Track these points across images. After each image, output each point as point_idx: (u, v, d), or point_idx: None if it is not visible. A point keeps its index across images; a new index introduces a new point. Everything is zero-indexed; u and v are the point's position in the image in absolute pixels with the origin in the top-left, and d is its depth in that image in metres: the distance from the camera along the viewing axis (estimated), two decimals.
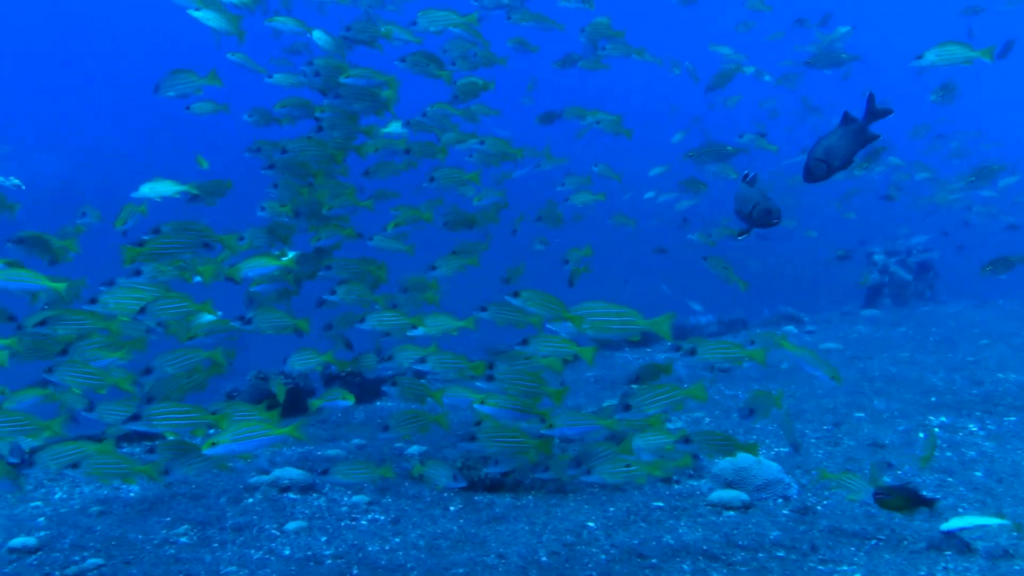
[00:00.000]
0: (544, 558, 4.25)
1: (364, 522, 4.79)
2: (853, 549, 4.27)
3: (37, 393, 4.55)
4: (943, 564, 4.05)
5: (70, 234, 4.84)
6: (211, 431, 3.92)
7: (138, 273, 4.30)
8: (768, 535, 4.45)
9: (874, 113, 4.46)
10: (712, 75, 8.18)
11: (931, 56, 4.51)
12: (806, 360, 4.04)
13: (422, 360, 4.60)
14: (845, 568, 4.05)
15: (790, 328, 11.26)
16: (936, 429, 6.19)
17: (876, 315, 12.20)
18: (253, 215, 5.40)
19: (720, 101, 10.34)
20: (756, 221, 4.57)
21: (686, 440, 4.12)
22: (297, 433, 3.90)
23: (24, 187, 5.84)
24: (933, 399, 7.13)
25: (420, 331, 4.85)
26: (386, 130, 5.78)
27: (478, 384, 4.45)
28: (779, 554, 4.23)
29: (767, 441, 6.02)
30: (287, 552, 4.38)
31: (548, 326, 4.10)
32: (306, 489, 5.24)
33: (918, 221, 13.28)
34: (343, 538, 4.55)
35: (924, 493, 4.36)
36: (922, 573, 3.97)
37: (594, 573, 4.07)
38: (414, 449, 6.07)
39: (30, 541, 4.49)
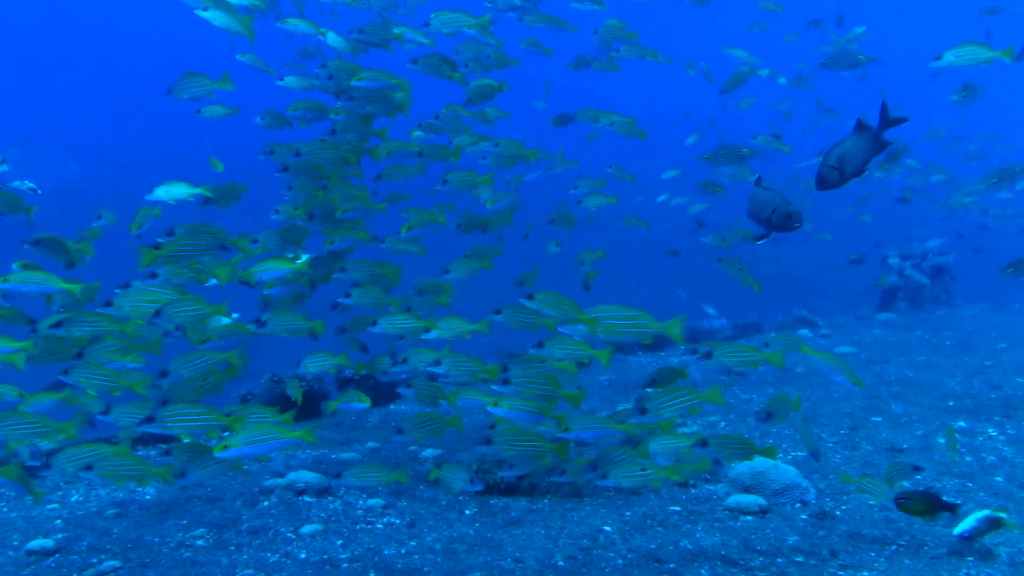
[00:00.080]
0: (561, 562, 4.21)
1: (380, 525, 4.77)
2: (873, 554, 4.21)
3: (53, 397, 4.56)
4: (965, 571, 3.99)
5: (86, 237, 4.85)
6: (224, 434, 3.92)
7: (154, 276, 4.31)
8: (787, 540, 4.40)
9: (888, 121, 4.42)
10: (726, 77, 8.14)
11: (950, 57, 4.45)
12: (827, 365, 4.00)
13: (436, 363, 4.58)
14: (865, 574, 4.00)
15: (804, 332, 11.19)
16: (956, 433, 6.11)
17: (891, 319, 12.10)
18: (265, 218, 5.41)
19: (734, 103, 10.29)
20: (776, 225, 4.52)
21: (703, 444, 4.08)
22: (309, 436, 3.89)
23: (40, 191, 5.88)
24: (951, 403, 7.05)
25: (433, 334, 4.84)
26: (415, 134, 5.80)
27: (493, 387, 4.43)
28: (798, 559, 4.18)
29: (784, 445, 5.96)
30: (303, 555, 4.37)
31: (561, 329, 4.07)
32: (321, 492, 5.23)
33: (934, 224, 13.18)
34: (359, 541, 4.54)
35: (946, 498, 4.30)
36: None
37: None
38: (428, 452, 6.05)
39: (48, 543, 4.49)
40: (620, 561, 4.22)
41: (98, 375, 4.11)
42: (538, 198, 7.32)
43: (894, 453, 5.77)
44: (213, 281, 4.65)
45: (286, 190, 5.41)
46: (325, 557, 4.34)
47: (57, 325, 4.10)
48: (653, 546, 4.38)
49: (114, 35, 35.03)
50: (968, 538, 4.14)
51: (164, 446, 6.37)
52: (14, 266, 4.34)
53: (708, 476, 5.28)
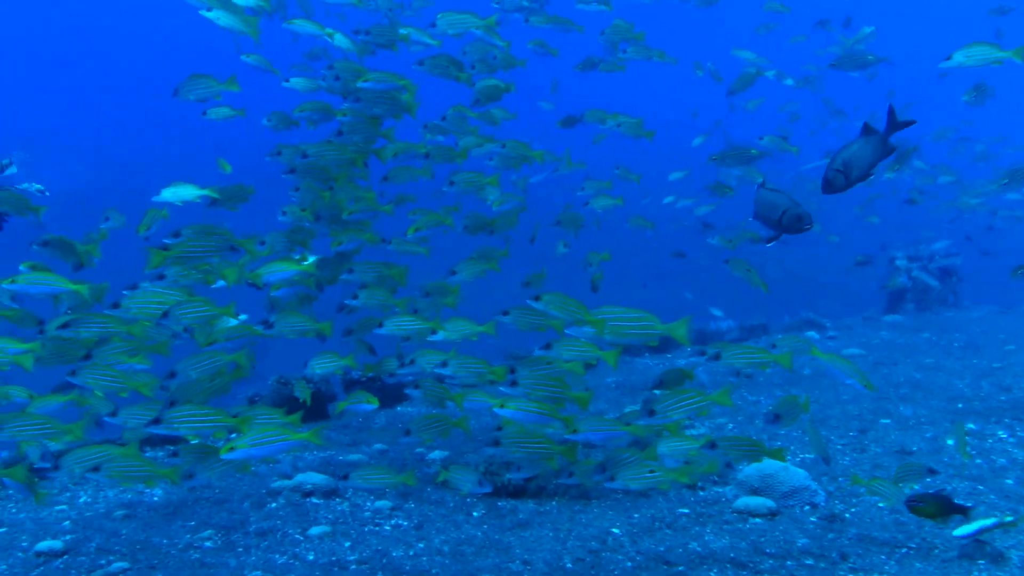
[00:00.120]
0: (569, 565, 4.20)
1: (387, 527, 4.76)
2: (883, 557, 4.18)
3: (61, 399, 4.56)
4: (976, 574, 3.96)
5: (94, 238, 4.85)
6: (231, 435, 3.91)
7: (161, 277, 4.31)
8: (796, 543, 4.38)
9: (895, 124, 4.39)
10: (734, 79, 8.12)
11: (960, 57, 4.42)
12: (837, 367, 3.98)
13: (443, 364, 4.57)
14: None
15: (812, 334, 11.14)
16: (967, 433, 6.07)
17: (899, 320, 12.05)
18: (272, 219, 5.40)
19: (741, 105, 10.27)
20: (786, 227, 4.50)
21: (712, 445, 4.06)
22: (316, 438, 3.88)
23: (48, 192, 5.88)
24: (960, 405, 7.01)
25: (440, 335, 4.83)
26: (428, 137, 5.81)
27: (500, 389, 4.41)
28: (808, 562, 4.16)
29: (792, 447, 5.94)
30: (311, 557, 4.36)
31: (567, 331, 4.05)
32: (329, 494, 5.22)
33: (941, 225, 13.12)
34: (367, 543, 4.53)
35: (957, 501, 4.27)
36: None
37: None
38: (436, 454, 6.04)
39: (56, 545, 4.50)
40: (629, 563, 4.20)
41: (106, 376, 4.11)
42: (545, 199, 7.30)
43: (903, 455, 5.73)
44: (220, 282, 4.64)
45: (293, 191, 5.40)
46: (333, 559, 4.33)
47: (65, 326, 4.10)
48: (662, 548, 4.36)
49: (118, 36, 35.14)
50: (968, 540, 4.11)
51: (172, 447, 6.37)
52: (22, 267, 4.33)
53: (716, 478, 5.26)
